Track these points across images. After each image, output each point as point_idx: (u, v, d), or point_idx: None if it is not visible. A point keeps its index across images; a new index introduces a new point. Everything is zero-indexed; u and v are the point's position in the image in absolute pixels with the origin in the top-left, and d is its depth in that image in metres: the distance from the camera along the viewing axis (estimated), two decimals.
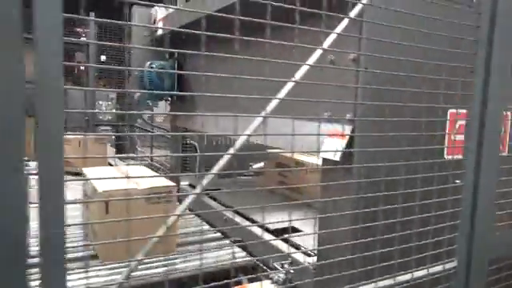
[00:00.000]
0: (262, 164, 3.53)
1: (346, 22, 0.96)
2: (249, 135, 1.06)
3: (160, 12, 3.32)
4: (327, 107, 1.72)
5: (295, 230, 2.30)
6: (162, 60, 3.35)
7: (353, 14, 0.95)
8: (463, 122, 1.90)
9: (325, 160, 1.78)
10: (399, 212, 1.25)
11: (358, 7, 0.95)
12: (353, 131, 1.62)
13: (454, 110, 1.83)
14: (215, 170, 0.87)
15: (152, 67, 3.18)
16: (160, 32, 3.23)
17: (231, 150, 0.88)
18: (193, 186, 3.37)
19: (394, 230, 1.20)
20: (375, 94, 1.49)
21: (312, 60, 1.00)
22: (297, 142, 1.74)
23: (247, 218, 2.58)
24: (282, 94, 0.96)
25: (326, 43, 1.02)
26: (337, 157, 1.64)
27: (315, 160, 2.86)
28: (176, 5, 3.56)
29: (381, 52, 1.29)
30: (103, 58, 8.73)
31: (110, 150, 3.68)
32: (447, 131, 1.82)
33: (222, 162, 0.89)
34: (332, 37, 1.05)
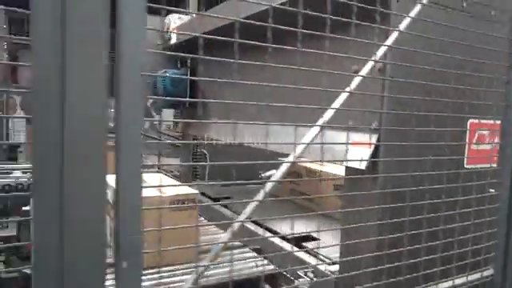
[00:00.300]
0: (273, 172, 3.54)
1: (395, 34, 0.99)
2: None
3: (173, 21, 3.36)
4: (351, 116, 1.75)
5: (312, 238, 2.31)
6: (175, 69, 3.39)
7: (402, 26, 0.98)
8: (483, 132, 1.94)
9: (348, 169, 1.80)
10: (428, 222, 1.27)
11: (407, 20, 0.98)
12: (378, 141, 1.64)
13: (474, 120, 1.87)
14: (276, 177, 0.89)
15: (166, 75, 3.21)
16: (174, 41, 3.26)
17: (291, 158, 0.90)
18: (204, 194, 3.37)
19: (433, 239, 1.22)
20: (401, 104, 1.52)
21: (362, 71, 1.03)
22: (317, 150, 1.76)
23: (262, 227, 2.59)
24: (336, 104, 0.98)
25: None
26: (363, 165, 1.66)
27: (329, 169, 2.88)
28: (187, 15, 3.60)
29: (407, 61, 1.32)
30: None
31: None
32: (467, 140, 1.86)
33: (282, 169, 0.90)
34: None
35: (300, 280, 1.79)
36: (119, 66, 0.65)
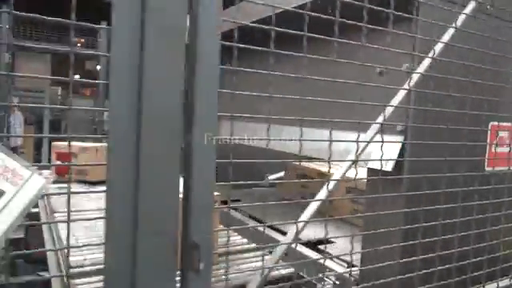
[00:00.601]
0: (281, 174, 3.52)
1: (451, 31, 0.98)
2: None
3: None
4: (374, 118, 1.73)
5: (327, 241, 2.29)
6: None
7: (459, 22, 0.97)
8: (504, 134, 1.94)
9: (370, 171, 1.78)
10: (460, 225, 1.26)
11: (462, 17, 0.97)
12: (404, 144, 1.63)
13: (495, 123, 1.88)
14: (338, 176, 0.87)
15: None
16: None
17: (353, 155, 0.88)
18: None
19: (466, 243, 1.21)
20: (426, 107, 1.50)
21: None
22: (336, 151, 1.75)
23: (274, 229, 2.56)
24: (393, 101, 0.96)
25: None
26: (388, 167, 1.64)
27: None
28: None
29: (433, 63, 1.31)
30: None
31: None
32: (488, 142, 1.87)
33: (343, 169, 0.88)
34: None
35: (322, 283, 1.77)
36: (195, 57, 0.62)
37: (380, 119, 0.98)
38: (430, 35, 1.21)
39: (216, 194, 1.90)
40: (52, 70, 8.46)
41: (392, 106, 1.00)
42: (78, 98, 9.15)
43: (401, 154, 1.65)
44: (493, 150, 1.88)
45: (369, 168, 1.78)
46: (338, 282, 1.80)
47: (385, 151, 1.71)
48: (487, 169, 1.86)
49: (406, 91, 1.02)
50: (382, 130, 1.11)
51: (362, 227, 1.80)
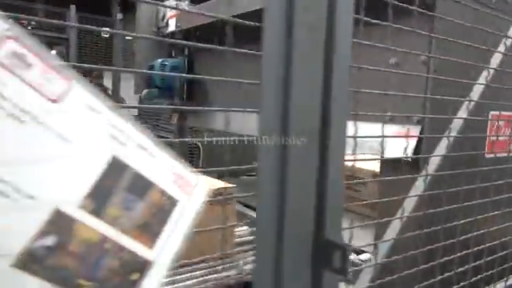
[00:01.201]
0: None
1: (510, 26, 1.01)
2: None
3: (169, 8, 3.22)
4: (388, 108, 1.75)
5: None
6: (169, 58, 3.25)
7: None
8: (501, 123, 2.05)
9: (383, 164, 1.79)
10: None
11: None
12: (421, 133, 1.66)
13: (495, 112, 1.97)
14: (433, 170, 0.89)
15: (165, 64, 3.07)
16: (172, 28, 3.13)
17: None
18: None
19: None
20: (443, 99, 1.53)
21: None
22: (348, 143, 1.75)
23: None
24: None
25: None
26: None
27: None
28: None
29: (452, 53, 1.35)
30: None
31: None
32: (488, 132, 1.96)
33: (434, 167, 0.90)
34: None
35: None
36: (332, 56, 0.61)
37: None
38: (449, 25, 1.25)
39: (232, 185, 1.88)
40: None
41: (474, 100, 1.02)
42: None
43: (418, 146, 1.67)
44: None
45: (382, 161, 1.78)
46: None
47: (403, 141, 1.74)
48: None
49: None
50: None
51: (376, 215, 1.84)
